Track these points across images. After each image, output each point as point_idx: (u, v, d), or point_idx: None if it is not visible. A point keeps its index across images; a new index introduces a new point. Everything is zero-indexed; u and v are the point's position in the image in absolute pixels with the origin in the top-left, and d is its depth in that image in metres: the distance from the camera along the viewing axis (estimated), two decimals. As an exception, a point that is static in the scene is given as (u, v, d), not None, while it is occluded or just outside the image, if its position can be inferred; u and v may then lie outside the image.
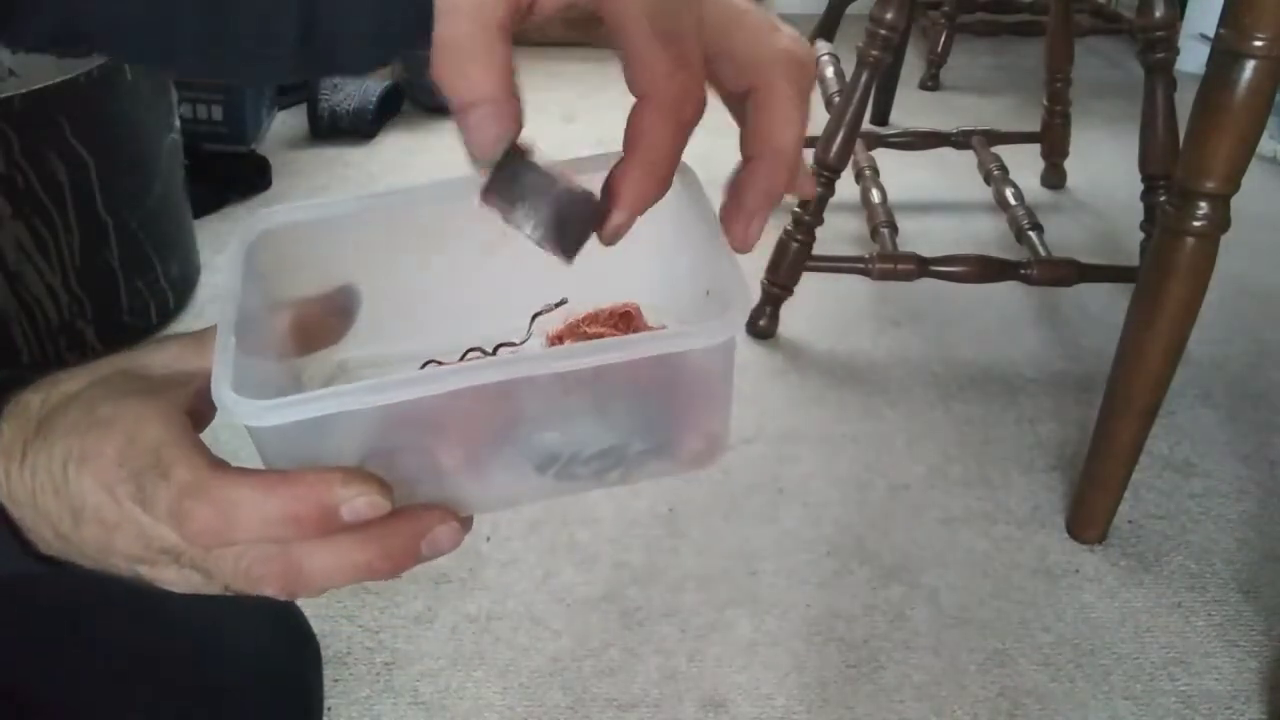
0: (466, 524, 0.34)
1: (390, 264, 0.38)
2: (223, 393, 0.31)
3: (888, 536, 1.23)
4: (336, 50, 0.40)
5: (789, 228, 1.50)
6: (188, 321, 1.61)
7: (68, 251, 1.42)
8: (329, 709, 1.02)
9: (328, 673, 1.03)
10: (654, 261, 0.39)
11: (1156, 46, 1.46)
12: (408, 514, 0.33)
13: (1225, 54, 0.94)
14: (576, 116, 2.33)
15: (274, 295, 0.36)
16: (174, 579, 0.34)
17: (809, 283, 1.54)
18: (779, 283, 1.53)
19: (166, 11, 0.39)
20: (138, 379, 0.36)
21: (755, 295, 1.56)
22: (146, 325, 1.56)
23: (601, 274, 0.37)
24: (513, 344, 0.39)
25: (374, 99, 2.09)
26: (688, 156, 0.37)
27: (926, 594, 1.16)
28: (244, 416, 0.31)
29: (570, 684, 1.05)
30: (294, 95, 2.21)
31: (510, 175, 0.32)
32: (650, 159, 0.32)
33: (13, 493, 0.34)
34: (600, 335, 0.39)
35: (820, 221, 1.49)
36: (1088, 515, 1.21)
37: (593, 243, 0.34)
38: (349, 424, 0.31)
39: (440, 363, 0.39)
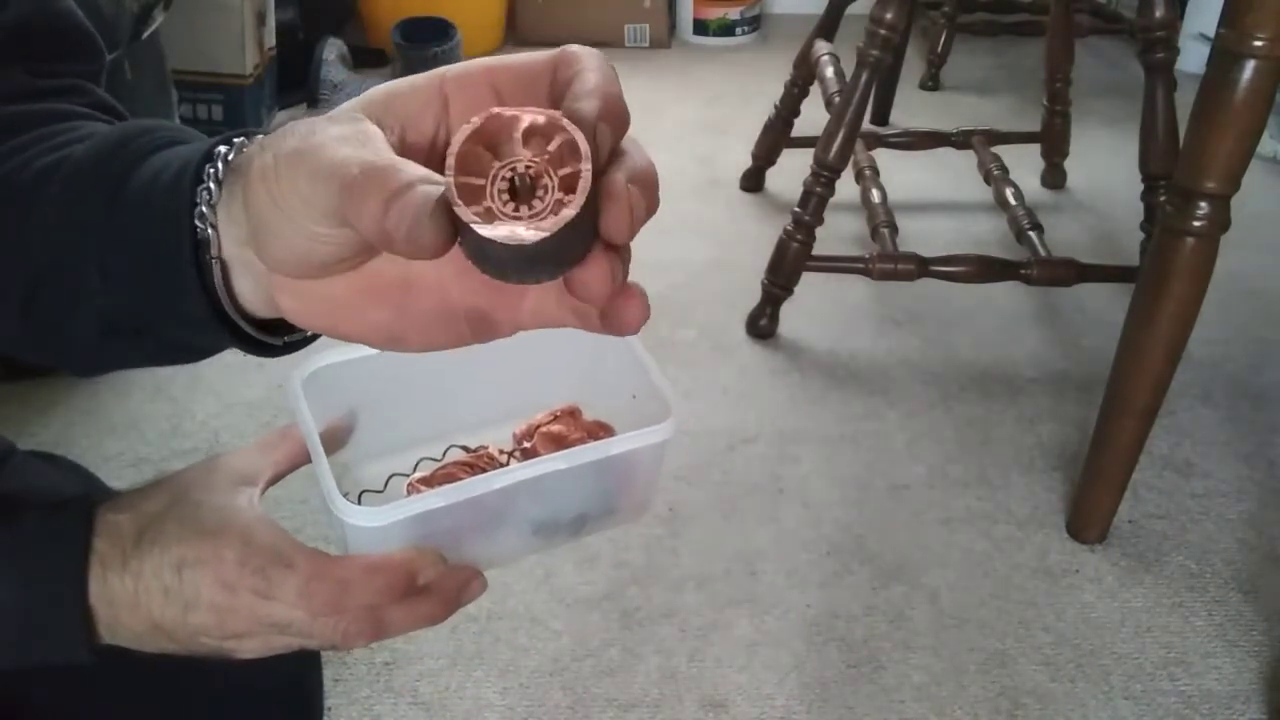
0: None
1: (380, 387, 0.50)
2: (341, 505, 0.41)
3: (888, 536, 1.23)
4: (57, 334, 0.44)
5: (789, 228, 1.50)
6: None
7: (68, 251, 1.42)
8: (329, 709, 1.02)
9: (328, 673, 1.03)
10: (580, 372, 0.53)
11: (1156, 46, 1.46)
12: (451, 574, 0.44)
13: (1225, 54, 0.94)
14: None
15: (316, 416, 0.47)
16: (257, 647, 0.43)
17: (809, 283, 1.54)
18: (779, 283, 1.53)
19: None
20: (211, 494, 0.44)
21: (756, 297, 1.57)
22: (146, 325, 1.56)
23: (541, 382, 0.52)
24: (485, 447, 0.53)
25: (374, 99, 2.09)
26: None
27: (926, 594, 1.16)
28: (361, 521, 0.41)
29: (570, 684, 1.05)
30: (294, 95, 2.21)
31: (471, 243, 0.31)
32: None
33: (109, 594, 0.42)
34: (561, 432, 0.51)
35: (820, 221, 1.49)
36: (1088, 515, 1.21)
37: (528, 361, 0.46)
38: (413, 523, 0.42)
39: (433, 459, 0.52)
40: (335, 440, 0.50)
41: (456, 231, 0.31)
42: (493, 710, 1.03)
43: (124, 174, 0.40)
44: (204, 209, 0.37)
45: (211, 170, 0.37)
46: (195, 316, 0.39)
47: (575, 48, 0.34)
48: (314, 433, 0.44)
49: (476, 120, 0.31)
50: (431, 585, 0.43)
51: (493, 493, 0.43)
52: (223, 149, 0.38)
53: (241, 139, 0.38)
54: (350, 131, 0.33)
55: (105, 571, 0.42)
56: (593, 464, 0.44)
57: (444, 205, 0.30)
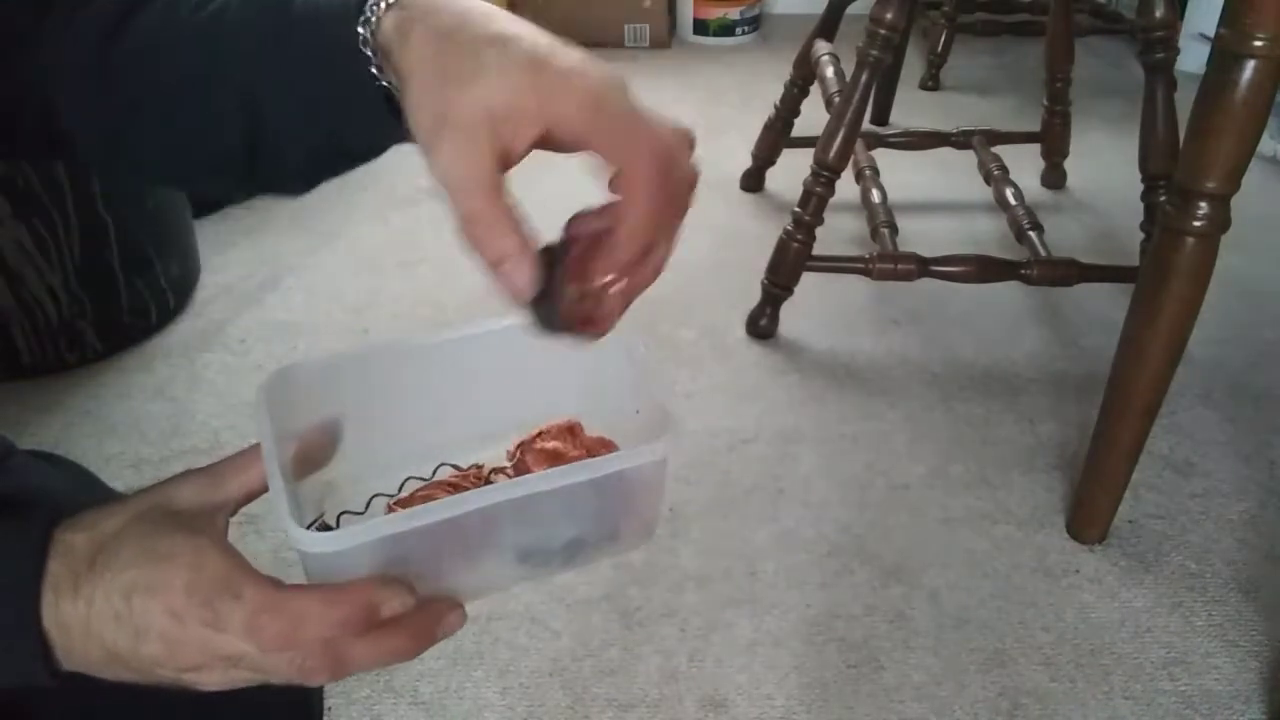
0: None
1: (366, 396, 0.47)
2: (292, 530, 0.39)
3: (888, 536, 1.23)
4: (276, 176, 0.49)
5: (789, 228, 1.50)
6: (187, 321, 1.61)
7: (68, 251, 1.42)
8: (329, 709, 1.02)
9: (328, 673, 1.02)
10: (583, 384, 0.49)
11: (1156, 46, 1.46)
12: (425, 606, 0.41)
13: (1225, 54, 0.94)
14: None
15: (281, 430, 0.43)
16: (217, 680, 0.41)
17: (809, 283, 1.54)
18: (779, 283, 1.53)
19: (136, 128, 0.48)
20: (173, 514, 0.42)
21: (756, 297, 1.57)
22: (146, 325, 1.56)
23: (542, 395, 0.49)
24: (479, 466, 0.49)
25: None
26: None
27: (926, 594, 1.16)
28: (311, 547, 0.38)
29: (570, 684, 1.05)
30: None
31: (544, 314, 0.39)
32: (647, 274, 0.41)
33: (62, 620, 0.40)
34: (555, 447, 0.48)
35: (820, 221, 1.49)
36: (1088, 515, 1.21)
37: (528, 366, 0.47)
38: (377, 549, 0.39)
39: (421, 479, 0.49)
40: (317, 456, 0.47)
41: (542, 293, 0.38)
42: (493, 710, 1.03)
43: (287, 20, 0.43)
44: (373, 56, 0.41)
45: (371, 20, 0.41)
46: (395, 135, 0.44)
47: (667, 141, 0.39)
48: (270, 443, 0.42)
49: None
50: (401, 619, 0.40)
51: (469, 516, 0.39)
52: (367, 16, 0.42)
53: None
54: (471, 146, 0.38)
55: (57, 596, 0.40)
56: (584, 485, 0.41)
57: (535, 262, 0.38)
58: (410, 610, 0.40)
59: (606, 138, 0.38)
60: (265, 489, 0.44)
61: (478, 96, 0.37)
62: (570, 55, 0.39)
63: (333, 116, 0.44)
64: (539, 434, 0.50)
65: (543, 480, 0.41)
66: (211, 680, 0.41)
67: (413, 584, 0.40)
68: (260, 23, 0.45)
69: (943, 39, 2.42)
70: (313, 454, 0.46)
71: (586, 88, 0.38)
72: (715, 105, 2.40)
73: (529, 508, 0.41)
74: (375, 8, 0.41)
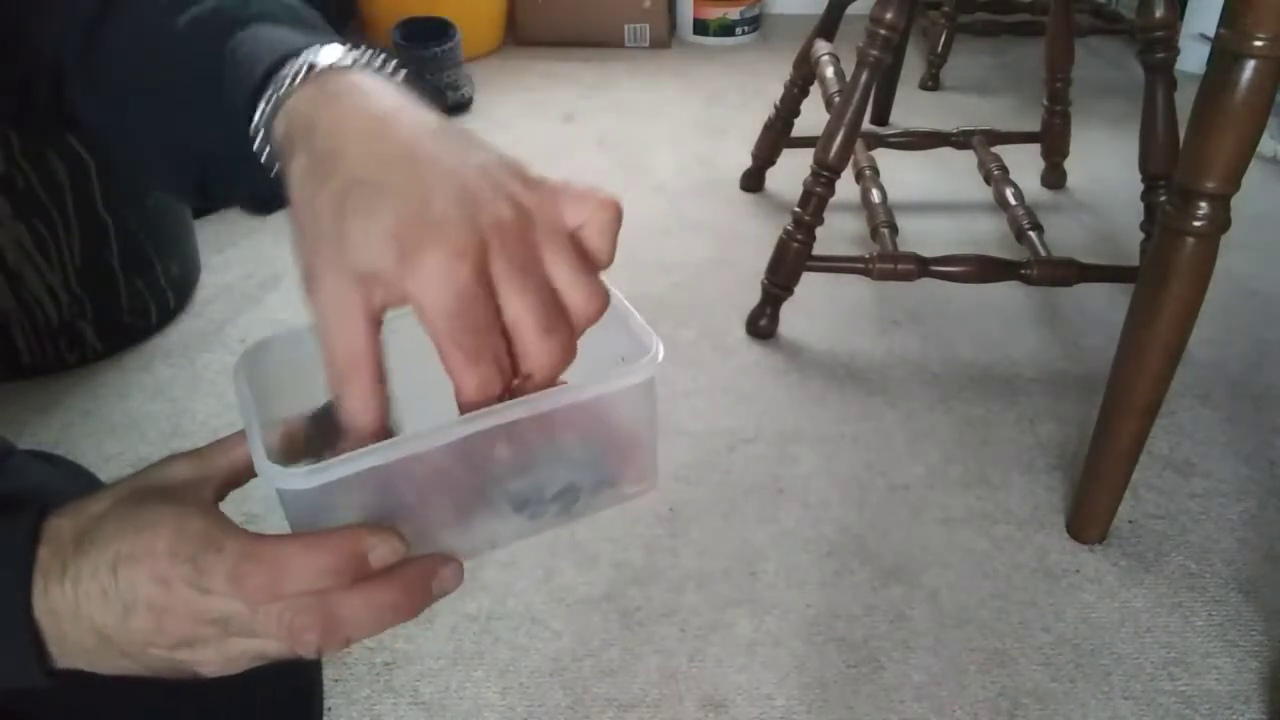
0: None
1: None
2: (264, 464, 0.37)
3: (888, 536, 1.23)
4: (230, 200, 0.51)
5: (789, 228, 1.50)
6: (187, 321, 1.61)
7: (68, 251, 1.42)
8: (329, 709, 1.02)
9: (328, 673, 1.03)
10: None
11: (1156, 46, 1.46)
12: (418, 559, 0.39)
13: (1225, 54, 0.94)
14: (575, 116, 2.33)
15: (265, 413, 0.42)
16: (212, 656, 0.39)
17: (809, 283, 1.54)
18: (779, 283, 1.53)
19: (116, 127, 0.51)
20: (158, 490, 0.41)
21: (757, 297, 1.57)
22: (146, 325, 1.56)
23: None
24: None
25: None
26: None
27: (926, 594, 1.16)
28: (284, 482, 0.36)
29: (570, 684, 1.05)
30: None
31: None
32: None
33: (52, 607, 0.39)
34: None
35: (820, 221, 1.49)
36: (1088, 515, 1.21)
37: None
38: (360, 490, 0.38)
39: None
40: (304, 443, 0.46)
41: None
42: (493, 710, 1.03)
43: (220, 67, 0.43)
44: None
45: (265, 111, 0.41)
46: None
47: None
48: (247, 392, 0.41)
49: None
50: (393, 571, 0.38)
51: (452, 454, 0.38)
52: (263, 106, 0.41)
53: (277, 94, 0.40)
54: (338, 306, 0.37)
55: (47, 582, 0.39)
56: (569, 421, 0.39)
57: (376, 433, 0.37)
58: (399, 564, 0.39)
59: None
60: (253, 471, 0.41)
61: (339, 260, 0.36)
62: (440, 211, 0.35)
63: (262, 172, 0.43)
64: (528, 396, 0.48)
65: (520, 407, 0.38)
66: (207, 657, 0.40)
67: (400, 532, 0.39)
68: (201, 64, 0.44)
69: (943, 39, 2.42)
70: (297, 441, 0.45)
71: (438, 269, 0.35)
72: (715, 105, 2.40)
73: (515, 442, 0.39)
74: (265, 106, 0.40)
